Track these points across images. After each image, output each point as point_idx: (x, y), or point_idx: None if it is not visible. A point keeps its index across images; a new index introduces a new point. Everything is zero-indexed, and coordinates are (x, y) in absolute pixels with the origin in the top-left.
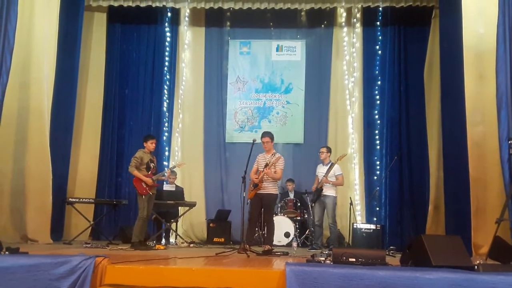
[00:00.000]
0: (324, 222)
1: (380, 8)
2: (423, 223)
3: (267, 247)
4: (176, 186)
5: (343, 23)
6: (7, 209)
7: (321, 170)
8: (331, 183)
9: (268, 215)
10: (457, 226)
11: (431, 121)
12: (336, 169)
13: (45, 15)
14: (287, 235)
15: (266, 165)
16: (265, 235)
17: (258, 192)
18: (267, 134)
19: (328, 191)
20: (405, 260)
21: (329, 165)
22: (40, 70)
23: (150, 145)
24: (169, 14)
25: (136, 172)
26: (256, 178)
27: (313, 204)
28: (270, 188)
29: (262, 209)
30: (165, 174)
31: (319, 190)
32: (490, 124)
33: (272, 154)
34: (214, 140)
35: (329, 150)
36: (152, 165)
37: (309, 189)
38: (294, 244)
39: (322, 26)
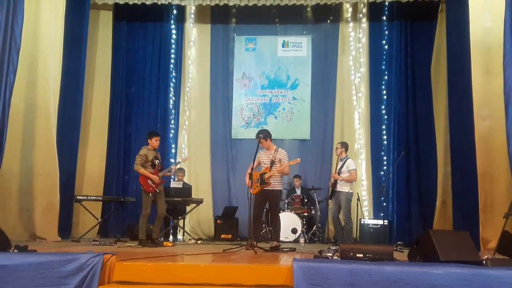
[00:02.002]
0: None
1: (386, 3)
2: (431, 218)
3: (275, 243)
4: (184, 183)
5: (349, 18)
6: (16, 208)
7: (338, 166)
8: (340, 178)
9: (274, 211)
10: (465, 221)
11: (439, 116)
12: (350, 164)
13: (51, 14)
14: (294, 231)
15: (272, 162)
16: (272, 231)
17: (264, 188)
18: (257, 135)
19: (341, 187)
20: (413, 255)
21: (343, 160)
22: (47, 69)
23: (155, 142)
24: (174, 11)
25: (142, 170)
26: (265, 174)
27: (329, 200)
28: (275, 184)
29: (266, 205)
30: (171, 169)
31: (333, 186)
32: (498, 118)
33: (275, 150)
34: (221, 137)
35: (342, 146)
36: (157, 161)
37: (316, 185)
38: (301, 240)
39: (328, 21)
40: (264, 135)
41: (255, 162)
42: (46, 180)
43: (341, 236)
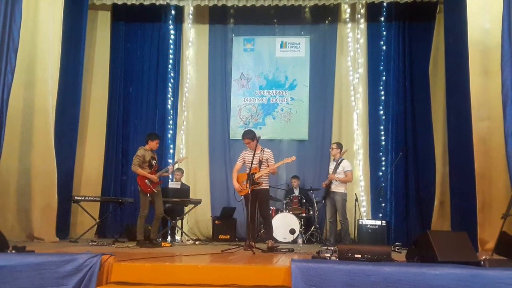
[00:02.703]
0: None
1: (384, 4)
2: (429, 218)
3: (270, 242)
4: (182, 184)
5: (347, 19)
6: (13, 208)
7: (332, 166)
8: (337, 179)
9: (266, 211)
10: (463, 221)
11: (437, 117)
12: (346, 165)
13: (49, 14)
14: (292, 231)
15: (260, 162)
16: (265, 231)
17: (254, 188)
18: (245, 136)
19: (336, 188)
20: (411, 256)
21: (338, 161)
22: (45, 69)
23: (155, 144)
24: (173, 11)
25: (140, 171)
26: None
27: (323, 201)
28: (264, 183)
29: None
30: (168, 170)
31: (328, 187)
32: (496, 119)
33: (261, 150)
34: (219, 137)
35: (338, 146)
36: (154, 162)
37: (314, 185)
38: (300, 240)
39: (326, 22)
40: (251, 136)
41: (239, 163)
42: (44, 181)
43: (333, 237)
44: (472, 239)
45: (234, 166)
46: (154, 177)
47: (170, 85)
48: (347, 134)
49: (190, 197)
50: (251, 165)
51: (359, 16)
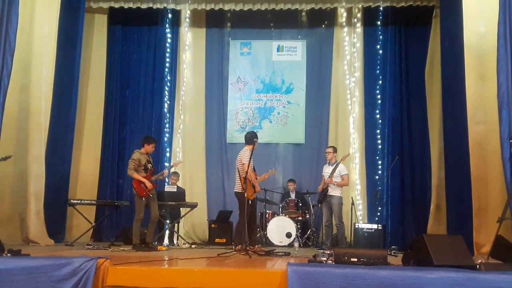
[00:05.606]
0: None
1: (381, 8)
2: (425, 222)
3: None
4: (178, 187)
5: (344, 23)
6: (9, 211)
7: (327, 170)
8: (335, 183)
9: (254, 216)
10: (458, 225)
11: (433, 121)
12: (342, 169)
13: (45, 17)
14: (288, 235)
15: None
16: (252, 235)
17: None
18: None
19: (333, 191)
20: (407, 260)
21: (334, 165)
22: (40, 72)
23: (151, 148)
24: (169, 15)
25: (136, 175)
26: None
27: (319, 205)
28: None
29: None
30: (164, 173)
31: (325, 190)
32: (492, 123)
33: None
34: (215, 141)
35: (335, 150)
36: (149, 166)
37: (311, 189)
38: (296, 244)
39: (323, 26)
40: (254, 140)
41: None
42: (40, 184)
43: (329, 241)
44: (468, 243)
45: (248, 169)
46: (149, 183)
47: (166, 88)
48: (344, 138)
49: (187, 200)
50: (247, 168)
51: (355, 20)
